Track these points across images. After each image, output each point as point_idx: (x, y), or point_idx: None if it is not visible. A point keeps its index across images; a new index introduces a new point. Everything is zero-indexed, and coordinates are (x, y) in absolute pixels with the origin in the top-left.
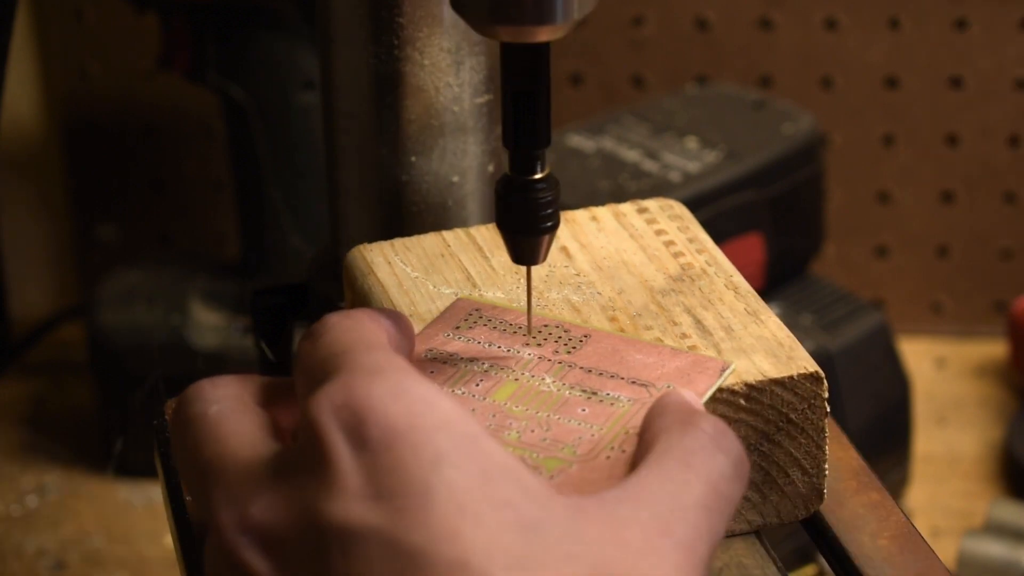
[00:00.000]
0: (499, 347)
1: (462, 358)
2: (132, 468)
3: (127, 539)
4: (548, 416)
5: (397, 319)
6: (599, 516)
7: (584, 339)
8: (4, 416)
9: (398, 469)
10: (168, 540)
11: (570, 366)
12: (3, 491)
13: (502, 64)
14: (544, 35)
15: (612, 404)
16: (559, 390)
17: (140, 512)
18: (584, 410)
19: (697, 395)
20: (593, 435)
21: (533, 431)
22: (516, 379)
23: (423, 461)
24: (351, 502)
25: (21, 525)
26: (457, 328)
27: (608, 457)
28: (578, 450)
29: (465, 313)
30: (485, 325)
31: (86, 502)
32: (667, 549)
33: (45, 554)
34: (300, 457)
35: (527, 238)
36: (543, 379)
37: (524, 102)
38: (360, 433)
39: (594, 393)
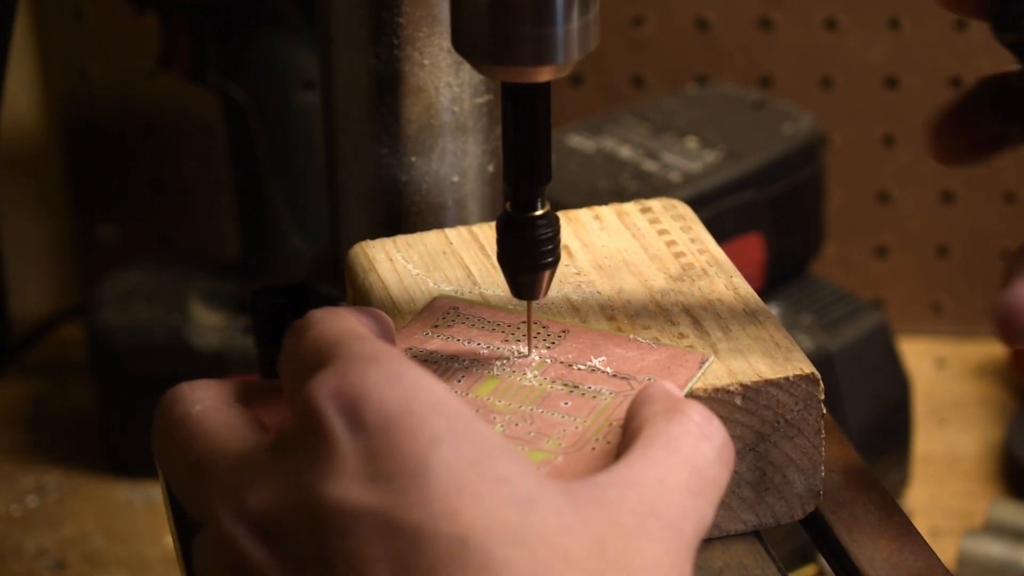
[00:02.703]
0: (478, 344)
1: (442, 355)
2: (132, 468)
3: (127, 539)
4: (532, 410)
5: (378, 317)
6: (590, 498)
7: (562, 334)
8: (4, 416)
9: (396, 451)
10: (168, 540)
11: (550, 361)
12: (3, 491)
13: (503, 102)
14: (545, 75)
15: (594, 397)
16: (540, 384)
17: (140, 512)
18: (567, 403)
19: (678, 387)
20: (577, 428)
21: (518, 424)
22: (497, 375)
23: (420, 442)
24: (350, 485)
25: (21, 525)
26: (435, 326)
27: (593, 449)
28: (563, 442)
29: (443, 311)
30: (463, 323)
31: (86, 502)
32: (656, 530)
33: (45, 554)
34: (296, 444)
35: (526, 274)
36: (524, 374)
37: (524, 140)
38: (357, 417)
39: (576, 387)
